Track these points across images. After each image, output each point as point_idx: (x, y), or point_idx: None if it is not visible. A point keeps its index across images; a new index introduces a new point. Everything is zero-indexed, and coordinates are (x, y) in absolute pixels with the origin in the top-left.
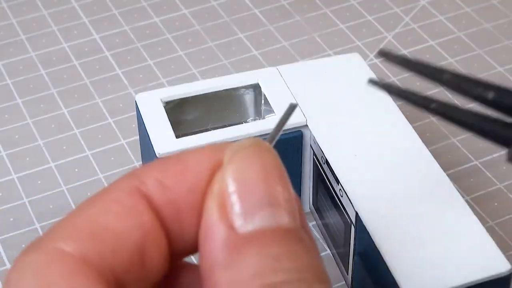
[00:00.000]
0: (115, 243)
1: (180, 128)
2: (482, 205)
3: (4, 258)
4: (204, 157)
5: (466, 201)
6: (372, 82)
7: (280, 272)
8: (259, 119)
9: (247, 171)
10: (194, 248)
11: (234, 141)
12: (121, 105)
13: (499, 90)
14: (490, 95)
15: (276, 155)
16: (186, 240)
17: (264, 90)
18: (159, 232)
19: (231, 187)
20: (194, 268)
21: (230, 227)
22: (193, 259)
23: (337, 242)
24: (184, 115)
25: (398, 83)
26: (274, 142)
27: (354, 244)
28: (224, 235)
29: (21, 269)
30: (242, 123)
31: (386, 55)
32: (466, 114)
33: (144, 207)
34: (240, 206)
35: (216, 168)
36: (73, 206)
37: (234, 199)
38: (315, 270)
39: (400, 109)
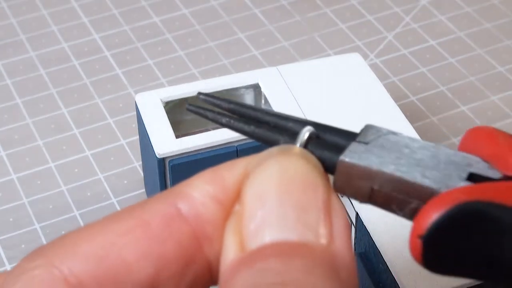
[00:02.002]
0: (121, 275)
1: (180, 128)
2: None
3: (4, 258)
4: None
5: None
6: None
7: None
8: None
9: (264, 185)
10: None
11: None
12: (121, 105)
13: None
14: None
15: (306, 161)
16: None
17: (264, 90)
18: (188, 263)
19: (245, 205)
20: None
21: (241, 247)
22: None
23: None
24: (184, 115)
25: (398, 83)
26: (301, 145)
27: (354, 245)
28: (232, 256)
29: (13, 275)
30: None
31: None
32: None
33: (174, 233)
34: (249, 224)
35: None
36: (73, 206)
37: (246, 217)
38: None
39: (400, 109)
